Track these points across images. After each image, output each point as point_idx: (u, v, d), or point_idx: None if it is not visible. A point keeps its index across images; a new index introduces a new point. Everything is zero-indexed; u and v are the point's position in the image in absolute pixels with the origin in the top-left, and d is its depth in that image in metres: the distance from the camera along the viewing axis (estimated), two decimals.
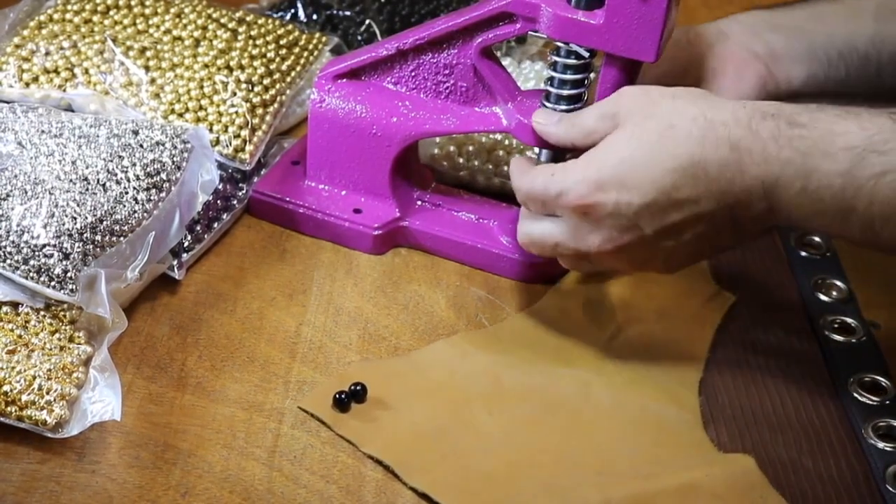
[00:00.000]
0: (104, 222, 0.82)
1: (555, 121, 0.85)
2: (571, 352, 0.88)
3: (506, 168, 1.02)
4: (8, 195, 0.81)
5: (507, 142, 1.03)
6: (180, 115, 0.98)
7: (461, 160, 1.03)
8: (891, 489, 0.79)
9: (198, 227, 0.92)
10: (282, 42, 1.06)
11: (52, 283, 0.79)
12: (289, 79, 1.04)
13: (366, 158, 0.95)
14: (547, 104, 0.89)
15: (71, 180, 0.83)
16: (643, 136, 0.77)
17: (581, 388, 0.84)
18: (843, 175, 0.73)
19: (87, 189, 0.83)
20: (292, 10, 1.18)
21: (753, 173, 0.75)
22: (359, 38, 1.16)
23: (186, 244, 0.91)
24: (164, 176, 0.87)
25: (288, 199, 0.97)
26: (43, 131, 0.88)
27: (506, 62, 1.11)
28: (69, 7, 1.05)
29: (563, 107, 0.88)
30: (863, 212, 0.73)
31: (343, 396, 0.80)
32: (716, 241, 0.80)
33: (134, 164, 0.86)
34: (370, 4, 1.20)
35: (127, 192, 0.84)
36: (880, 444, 0.82)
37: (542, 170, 0.82)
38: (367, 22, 1.17)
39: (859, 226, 0.74)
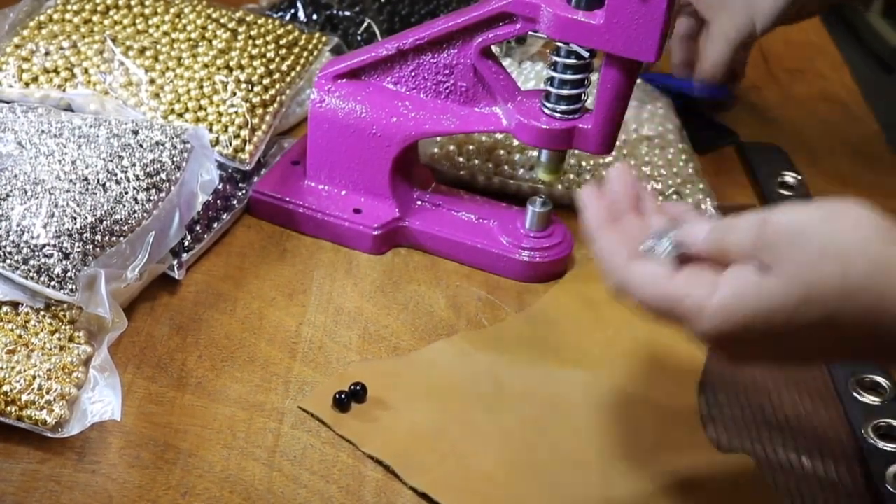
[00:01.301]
0: (104, 222, 0.82)
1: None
2: (571, 352, 0.88)
3: (506, 168, 1.02)
4: (8, 195, 0.81)
5: (507, 142, 1.03)
6: (180, 115, 0.98)
7: (461, 160, 1.03)
8: (891, 489, 0.79)
9: (198, 227, 0.92)
10: (282, 42, 1.06)
11: (52, 283, 0.79)
12: (289, 79, 1.04)
13: (366, 158, 0.95)
14: (547, 104, 0.89)
15: (71, 180, 0.83)
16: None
17: (581, 387, 0.84)
18: None
19: (87, 189, 0.83)
20: (292, 10, 1.18)
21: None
22: (359, 38, 1.16)
23: (186, 244, 0.91)
24: (163, 176, 0.87)
25: (288, 199, 0.97)
26: (43, 131, 0.88)
27: (506, 62, 1.11)
28: (69, 7, 1.05)
29: (563, 107, 0.88)
30: None
31: (343, 396, 0.80)
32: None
33: (134, 164, 0.86)
34: (370, 4, 1.20)
35: (127, 192, 0.84)
36: (880, 444, 0.82)
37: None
38: (367, 22, 1.17)
39: None
